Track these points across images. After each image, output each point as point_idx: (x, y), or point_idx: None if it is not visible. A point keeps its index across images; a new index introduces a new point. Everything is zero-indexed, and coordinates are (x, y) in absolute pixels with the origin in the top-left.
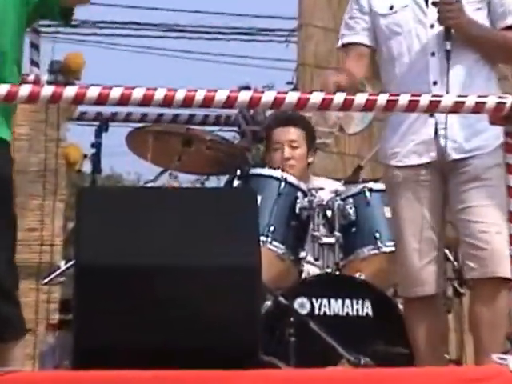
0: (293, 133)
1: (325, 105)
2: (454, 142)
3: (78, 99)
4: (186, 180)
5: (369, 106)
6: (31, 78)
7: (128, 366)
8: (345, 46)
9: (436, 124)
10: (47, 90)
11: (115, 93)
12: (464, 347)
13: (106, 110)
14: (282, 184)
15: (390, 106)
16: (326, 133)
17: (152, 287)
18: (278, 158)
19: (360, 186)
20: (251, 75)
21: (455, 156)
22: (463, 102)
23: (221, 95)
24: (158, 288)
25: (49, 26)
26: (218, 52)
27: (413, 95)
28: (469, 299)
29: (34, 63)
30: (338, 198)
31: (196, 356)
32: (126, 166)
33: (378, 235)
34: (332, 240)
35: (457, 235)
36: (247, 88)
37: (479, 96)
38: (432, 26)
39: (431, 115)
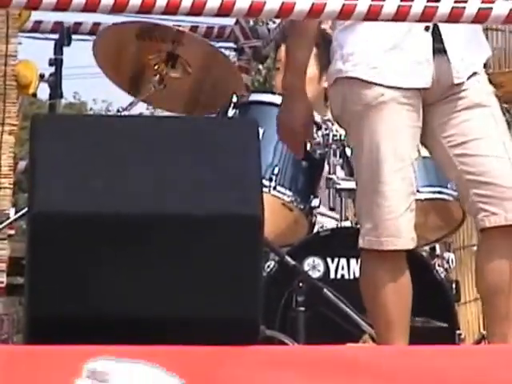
0: None
1: (346, 13)
2: (462, 60)
3: (32, 4)
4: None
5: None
6: None
7: (96, 340)
8: None
9: (434, 39)
10: None
11: None
12: None
13: (68, 18)
14: None
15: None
16: None
17: (126, 242)
18: (279, 80)
19: None
20: None
21: (464, 76)
22: (489, 9)
23: (213, 1)
24: (134, 244)
25: None
26: None
27: None
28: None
29: None
30: None
31: (180, 328)
32: (93, 92)
33: None
34: (352, 185)
35: None
36: None
37: None
38: None
39: (426, 29)
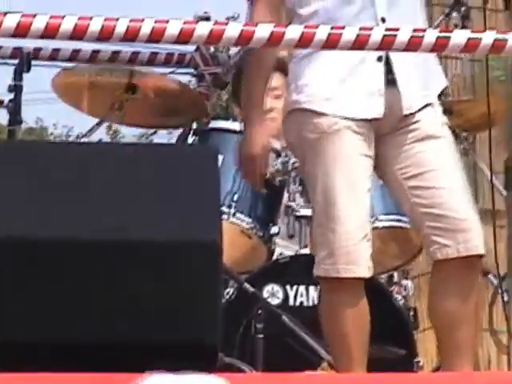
0: (275, 78)
1: (305, 41)
2: (413, 92)
3: None
4: (129, 134)
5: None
6: None
7: (51, 368)
8: None
9: (386, 70)
10: None
11: (39, 22)
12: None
13: (28, 44)
14: None
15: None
16: None
17: (81, 268)
18: None
19: None
20: (211, 3)
21: (416, 107)
22: (479, 39)
23: (173, 28)
24: (89, 269)
25: None
26: None
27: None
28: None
29: None
30: None
31: (139, 355)
32: (54, 117)
33: None
34: (311, 212)
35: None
36: (206, 19)
37: (498, 32)
38: None
39: (379, 59)
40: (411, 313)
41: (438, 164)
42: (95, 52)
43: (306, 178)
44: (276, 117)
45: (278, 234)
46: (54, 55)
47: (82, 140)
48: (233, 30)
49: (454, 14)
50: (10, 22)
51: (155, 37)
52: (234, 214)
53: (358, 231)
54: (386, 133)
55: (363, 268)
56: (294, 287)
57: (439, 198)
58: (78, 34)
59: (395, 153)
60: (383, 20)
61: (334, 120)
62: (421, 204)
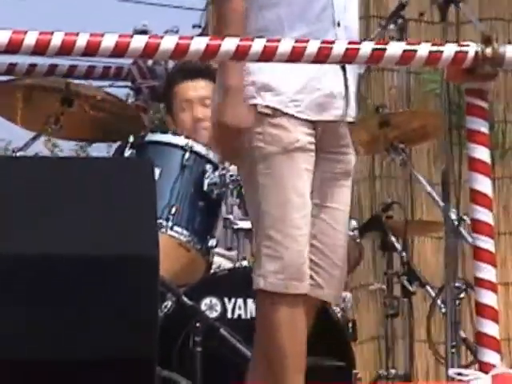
0: (204, 87)
1: (240, 54)
2: (353, 99)
3: None
4: (67, 147)
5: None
6: None
7: None
8: None
9: (345, 75)
10: None
11: None
12: (414, 359)
13: None
14: (187, 154)
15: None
16: None
17: (16, 282)
18: (189, 119)
19: None
20: (150, 16)
21: (354, 116)
22: (414, 51)
23: (108, 41)
24: (25, 284)
25: None
26: None
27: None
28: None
29: None
30: None
31: (76, 370)
32: None
33: None
34: (249, 225)
35: (402, 219)
36: (144, 32)
37: (433, 44)
38: None
39: (343, 68)
40: (350, 325)
41: (343, 206)
42: (32, 66)
43: (254, 186)
44: (208, 126)
45: (215, 246)
46: None
47: (19, 154)
48: (168, 44)
49: (391, 26)
50: None
51: (90, 50)
52: (171, 227)
53: (306, 249)
54: (323, 148)
55: (306, 284)
56: (232, 300)
57: (333, 240)
58: (12, 47)
59: (320, 175)
60: (338, 24)
61: (294, 136)
62: (313, 235)
